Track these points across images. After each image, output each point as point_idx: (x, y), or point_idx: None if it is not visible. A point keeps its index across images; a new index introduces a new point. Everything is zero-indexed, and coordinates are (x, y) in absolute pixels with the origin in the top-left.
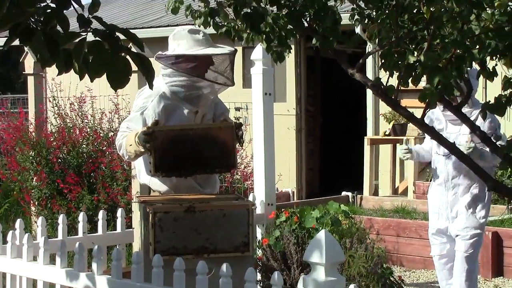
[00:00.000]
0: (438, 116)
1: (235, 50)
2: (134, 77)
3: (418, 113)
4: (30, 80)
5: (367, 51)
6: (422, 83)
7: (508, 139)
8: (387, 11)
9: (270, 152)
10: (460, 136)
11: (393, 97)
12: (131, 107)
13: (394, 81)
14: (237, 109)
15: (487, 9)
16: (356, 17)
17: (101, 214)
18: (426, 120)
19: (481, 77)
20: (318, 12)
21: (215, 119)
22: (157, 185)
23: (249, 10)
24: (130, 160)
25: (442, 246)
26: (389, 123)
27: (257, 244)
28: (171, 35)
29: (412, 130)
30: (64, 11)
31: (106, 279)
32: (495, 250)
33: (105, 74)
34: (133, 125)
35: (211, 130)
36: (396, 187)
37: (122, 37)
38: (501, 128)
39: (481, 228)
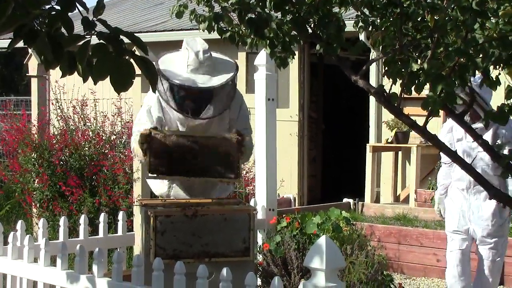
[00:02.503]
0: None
1: (227, 81)
2: (137, 81)
3: (420, 121)
4: (34, 82)
5: (370, 58)
6: (425, 91)
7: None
8: (391, 19)
9: (272, 157)
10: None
11: (396, 105)
12: (134, 110)
13: (397, 89)
14: None
15: (491, 18)
16: (360, 24)
17: (102, 217)
18: (446, 127)
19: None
20: (322, 18)
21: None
22: (154, 188)
23: (253, 16)
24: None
25: (461, 242)
26: (392, 131)
27: (258, 249)
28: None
29: (414, 138)
30: (69, 13)
31: (106, 281)
32: None
33: (109, 77)
34: (143, 126)
35: (212, 139)
36: (397, 194)
37: (126, 40)
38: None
39: (503, 233)
